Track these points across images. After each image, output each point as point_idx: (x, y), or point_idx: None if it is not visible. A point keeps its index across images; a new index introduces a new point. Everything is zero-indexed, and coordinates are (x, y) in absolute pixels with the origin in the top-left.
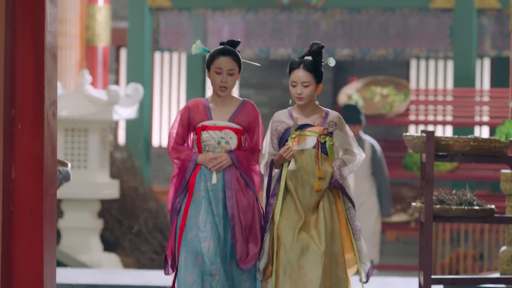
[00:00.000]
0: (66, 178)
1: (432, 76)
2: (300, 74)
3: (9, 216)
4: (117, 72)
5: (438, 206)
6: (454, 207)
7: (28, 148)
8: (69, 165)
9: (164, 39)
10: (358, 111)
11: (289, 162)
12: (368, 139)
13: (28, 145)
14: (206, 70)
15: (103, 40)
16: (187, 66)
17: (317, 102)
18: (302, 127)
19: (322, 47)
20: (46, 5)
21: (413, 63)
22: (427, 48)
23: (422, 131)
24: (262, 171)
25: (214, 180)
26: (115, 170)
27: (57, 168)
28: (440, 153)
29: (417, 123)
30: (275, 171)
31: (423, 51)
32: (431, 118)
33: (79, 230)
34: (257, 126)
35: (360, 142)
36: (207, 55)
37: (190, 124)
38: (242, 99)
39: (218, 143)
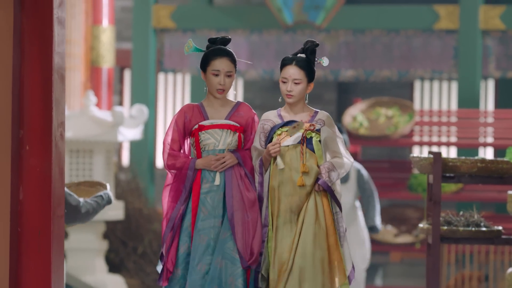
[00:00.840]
0: (109, 201)
1: (436, 97)
2: (292, 71)
3: (17, 237)
4: (120, 93)
5: (445, 227)
6: (461, 228)
7: (36, 169)
8: (108, 186)
9: (168, 60)
10: (341, 130)
11: (276, 160)
12: (355, 164)
13: (36, 167)
14: (201, 71)
15: (107, 61)
16: (191, 87)
17: (306, 102)
18: (288, 123)
19: (317, 45)
20: (54, 26)
21: (417, 84)
22: (431, 69)
23: (429, 152)
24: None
25: (217, 181)
26: (119, 191)
27: (103, 191)
28: (447, 174)
29: (421, 144)
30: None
31: (428, 72)
32: (435, 139)
33: (84, 252)
34: (254, 126)
35: None
36: (204, 55)
37: (186, 128)
38: (236, 100)
39: (218, 143)
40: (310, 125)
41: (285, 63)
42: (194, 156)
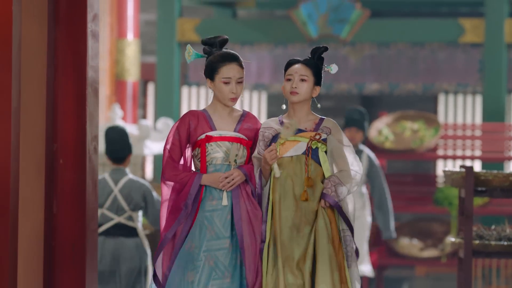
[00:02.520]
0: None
1: (461, 111)
2: (298, 67)
3: (51, 252)
4: (144, 107)
5: (477, 241)
6: (493, 242)
7: (70, 183)
8: None
9: (193, 73)
10: (364, 117)
11: (274, 169)
12: (366, 151)
13: (70, 180)
14: (208, 79)
15: (132, 74)
16: None
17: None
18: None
19: (325, 49)
20: (88, 40)
21: (441, 98)
22: (456, 83)
23: (461, 166)
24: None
25: (225, 201)
26: None
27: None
28: (479, 188)
29: (445, 158)
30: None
31: (453, 86)
32: (459, 153)
33: None
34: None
35: (358, 153)
36: (210, 62)
37: (189, 137)
38: (241, 109)
39: (227, 157)
40: (315, 134)
41: (290, 62)
42: (197, 170)
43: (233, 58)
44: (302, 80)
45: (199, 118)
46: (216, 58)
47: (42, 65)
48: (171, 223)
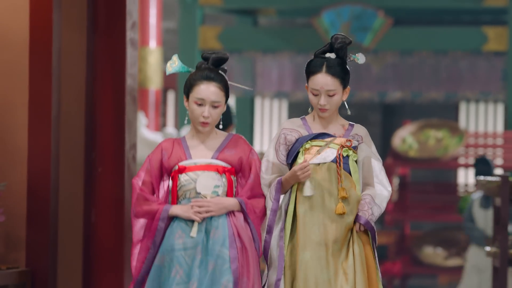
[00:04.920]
0: None
1: (482, 119)
2: (324, 81)
3: (89, 261)
4: (164, 115)
5: None
6: None
7: (109, 191)
8: None
9: None
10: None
11: (303, 184)
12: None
13: (109, 189)
14: (184, 96)
15: (154, 82)
16: (236, 109)
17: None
18: (319, 137)
19: (350, 42)
20: (127, 48)
21: (462, 106)
22: (479, 91)
23: (496, 175)
24: (265, 192)
25: (193, 233)
26: None
27: None
28: None
29: (467, 166)
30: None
31: (475, 94)
32: None
33: None
34: (253, 163)
35: None
36: (188, 78)
37: (163, 168)
38: (228, 133)
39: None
40: (346, 141)
41: (313, 70)
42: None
43: (213, 78)
44: (331, 96)
45: (174, 146)
46: (194, 74)
47: (81, 73)
48: (140, 265)
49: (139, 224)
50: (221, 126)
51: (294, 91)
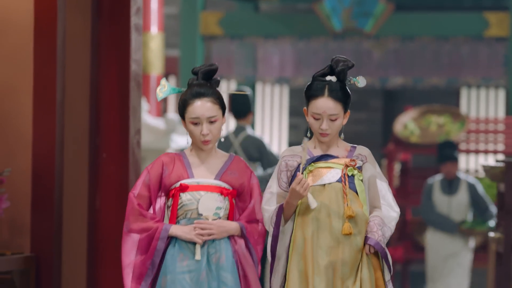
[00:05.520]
0: None
1: (483, 104)
2: (325, 106)
3: (94, 246)
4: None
5: None
6: None
7: (113, 177)
8: None
9: None
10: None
11: (308, 199)
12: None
13: (113, 175)
14: (181, 119)
15: (156, 68)
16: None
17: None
18: (322, 158)
19: (352, 66)
20: (131, 33)
21: (463, 92)
22: (480, 77)
23: (500, 161)
24: (267, 226)
25: (198, 256)
26: None
27: None
28: None
29: (467, 152)
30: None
31: (477, 80)
32: (482, 147)
33: None
34: (253, 188)
35: (456, 182)
36: (180, 98)
37: (162, 185)
38: (228, 153)
39: (201, 213)
40: (350, 160)
41: (314, 94)
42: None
43: (204, 94)
44: (333, 120)
45: (175, 162)
46: (185, 94)
47: (86, 58)
48: (137, 286)
49: (131, 241)
50: (222, 139)
51: (296, 76)
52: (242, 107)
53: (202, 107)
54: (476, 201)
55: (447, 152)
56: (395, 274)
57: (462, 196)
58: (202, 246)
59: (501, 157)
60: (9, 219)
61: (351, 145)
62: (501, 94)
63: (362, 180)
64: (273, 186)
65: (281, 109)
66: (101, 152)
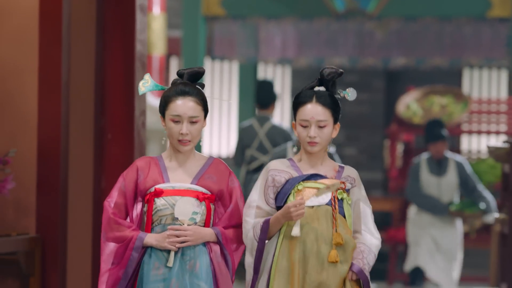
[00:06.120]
0: None
1: (486, 85)
2: (314, 111)
3: (99, 227)
4: (167, 81)
5: None
6: None
7: (118, 158)
8: None
9: (218, 48)
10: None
11: (294, 225)
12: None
13: (118, 155)
14: (160, 116)
15: (158, 49)
16: (239, 75)
17: (332, 149)
18: (311, 178)
19: (341, 73)
20: (136, 14)
21: (466, 73)
22: (483, 58)
23: (506, 141)
24: (245, 239)
25: (170, 263)
26: None
27: None
28: None
29: (470, 132)
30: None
31: (479, 60)
32: (484, 127)
33: None
34: (233, 191)
35: (445, 161)
36: (162, 95)
37: (138, 191)
38: (207, 156)
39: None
40: (341, 182)
41: (302, 100)
42: (143, 230)
43: (188, 93)
44: (321, 127)
45: (150, 166)
46: (168, 91)
47: (91, 39)
48: None
49: (108, 249)
50: (202, 143)
51: (298, 57)
52: (267, 97)
53: (184, 105)
54: (464, 181)
55: (436, 131)
56: (398, 254)
57: (451, 176)
58: (177, 252)
59: (504, 137)
60: (14, 200)
61: (339, 164)
62: (504, 74)
63: (350, 204)
64: (257, 200)
65: (283, 89)
66: (106, 133)
